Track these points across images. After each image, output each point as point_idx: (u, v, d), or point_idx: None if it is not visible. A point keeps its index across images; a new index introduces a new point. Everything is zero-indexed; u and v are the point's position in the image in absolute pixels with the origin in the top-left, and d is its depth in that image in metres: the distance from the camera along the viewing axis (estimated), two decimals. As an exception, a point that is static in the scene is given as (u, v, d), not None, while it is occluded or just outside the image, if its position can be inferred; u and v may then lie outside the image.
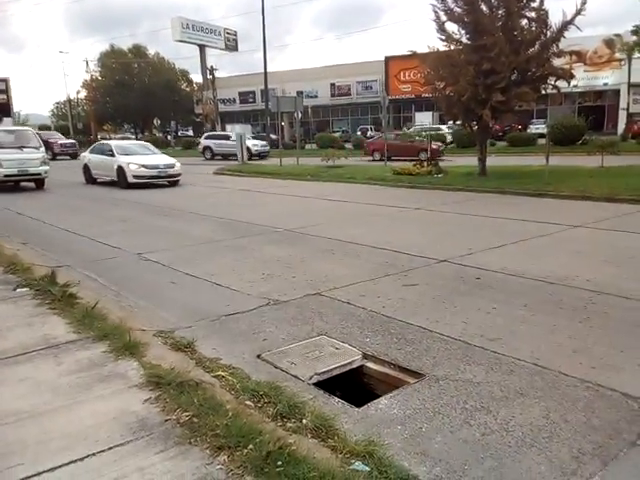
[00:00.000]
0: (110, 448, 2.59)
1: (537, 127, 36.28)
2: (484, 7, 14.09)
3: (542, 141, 30.43)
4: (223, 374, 3.43)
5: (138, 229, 9.42)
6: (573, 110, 37.66)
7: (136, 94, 58.20)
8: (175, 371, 3.32)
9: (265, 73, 41.24)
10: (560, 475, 2.48)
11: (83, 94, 68.98)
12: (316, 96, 52.28)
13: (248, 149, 29.59)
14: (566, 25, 13.66)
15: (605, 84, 37.86)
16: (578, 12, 13.41)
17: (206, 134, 37.55)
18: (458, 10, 14.29)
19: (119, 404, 3.01)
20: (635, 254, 6.66)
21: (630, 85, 33.81)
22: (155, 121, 60.27)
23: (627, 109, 34.46)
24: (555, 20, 13.91)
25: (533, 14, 13.96)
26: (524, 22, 14.16)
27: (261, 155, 31.75)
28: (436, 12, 14.62)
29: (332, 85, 52.19)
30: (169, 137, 56.42)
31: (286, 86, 49.23)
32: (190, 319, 4.64)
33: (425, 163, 17.43)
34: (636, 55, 26.83)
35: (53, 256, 7.10)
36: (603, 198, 11.05)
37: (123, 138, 52.22)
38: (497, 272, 5.91)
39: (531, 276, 5.69)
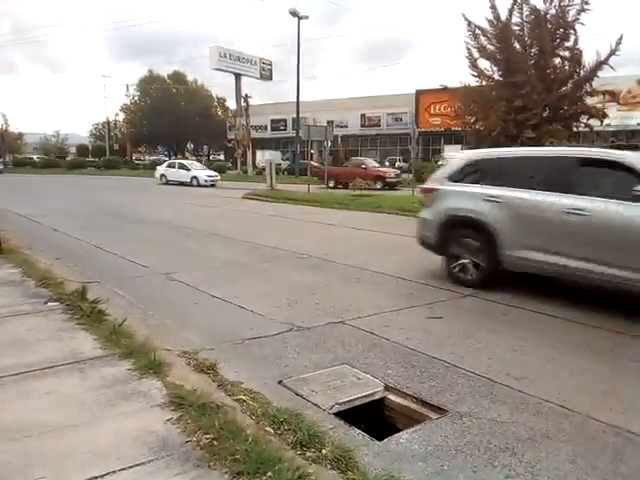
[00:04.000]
0: (131, 467, 2.60)
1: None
2: (517, 45, 14.22)
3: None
4: (244, 398, 3.43)
5: (165, 249, 9.59)
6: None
7: (172, 118, 59.92)
8: (197, 392, 3.34)
9: (297, 102, 42.09)
10: (587, 524, 2.39)
11: (121, 117, 71.45)
12: (346, 126, 52.97)
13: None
14: (600, 65, 13.65)
15: (638, 124, 37.38)
16: (613, 52, 13.40)
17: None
18: (491, 48, 14.46)
19: (141, 423, 3.04)
20: None
21: (665, 125, 33.30)
22: (188, 145, 61.78)
23: (661, 149, 33.85)
24: (588, 59, 13.92)
25: (567, 53, 14.02)
26: (557, 61, 14.21)
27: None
28: (469, 49, 14.82)
29: (362, 116, 52.87)
30: (202, 161, 57.68)
31: (317, 115, 50.02)
32: (214, 341, 4.67)
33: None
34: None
35: (84, 272, 7.26)
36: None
37: (155, 161, 53.60)
38: (525, 309, 5.81)
39: (548, 313, 5.57)
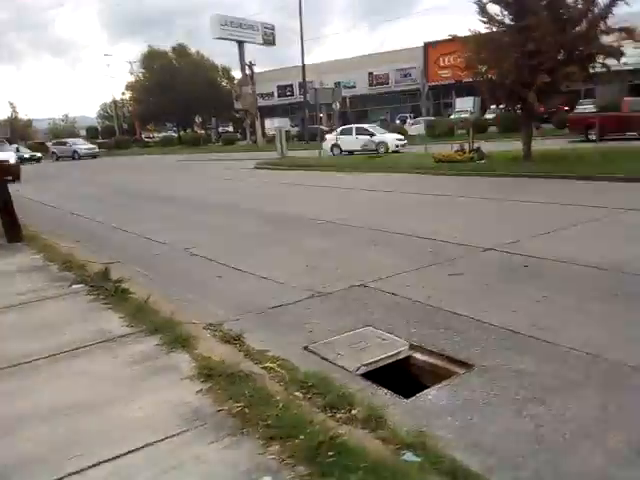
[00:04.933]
0: (166, 438, 2.67)
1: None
2: (527, -15, 13.59)
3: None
4: (272, 365, 3.48)
5: (184, 224, 9.64)
6: (623, 89, 35.90)
7: (178, 93, 59.38)
8: (225, 363, 3.40)
9: (303, 66, 41.31)
10: (617, 466, 2.40)
11: (128, 95, 71.03)
12: (354, 86, 51.95)
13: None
14: (615, 1, 13.01)
15: (658, 60, 35.86)
16: (628, -14, 12.75)
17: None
18: (500, -10, 13.85)
19: (173, 395, 3.11)
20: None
21: (686, 60, 31.88)
22: (197, 118, 61.37)
23: (683, 85, 32.58)
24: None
25: (580, -10, 13.37)
26: (570, 0, 13.58)
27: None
28: (477, -7, 14.22)
29: (370, 74, 51.74)
30: (211, 134, 57.38)
31: (323, 77, 49.09)
32: (237, 312, 4.73)
33: (467, 149, 17.03)
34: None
35: (105, 252, 7.36)
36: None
37: (165, 136, 53.81)
38: (546, 259, 5.74)
39: (583, 263, 5.50)
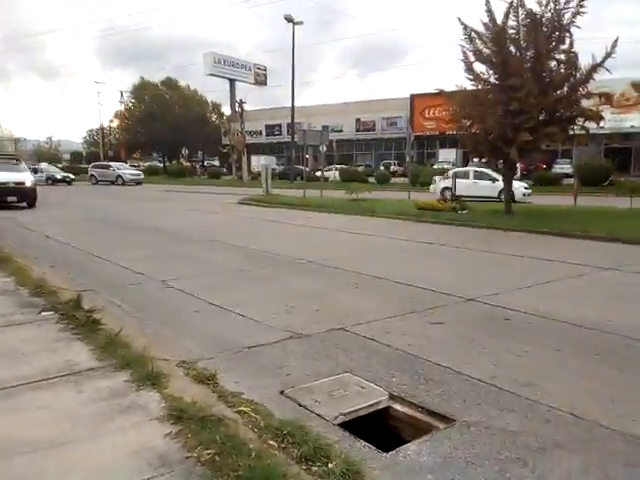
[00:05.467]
0: (129, 484, 2.50)
1: (562, 167, 36.05)
2: (513, 48, 14.21)
3: (567, 181, 30.25)
4: (246, 410, 3.33)
5: (163, 255, 9.47)
6: (599, 151, 37.39)
7: (166, 124, 59.86)
8: (197, 405, 3.24)
9: (292, 107, 42.12)
10: (605, 539, 2.30)
11: (115, 123, 71.25)
12: (341, 130, 53.03)
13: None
14: (596, 67, 13.64)
15: (632, 126, 37.59)
16: (609, 55, 13.41)
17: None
18: (487, 51, 14.44)
19: (140, 437, 2.93)
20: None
21: (658, 127, 33.54)
22: (183, 150, 61.68)
23: (655, 151, 34.10)
24: (584, 62, 13.92)
25: (562, 56, 14.01)
26: (553, 64, 14.20)
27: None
28: (465, 53, 14.79)
29: (357, 120, 52.98)
30: (197, 167, 57.61)
31: (312, 120, 50.05)
32: (213, 350, 4.57)
33: (449, 199, 17.32)
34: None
35: (79, 280, 7.13)
36: (633, 241, 10.78)
37: (151, 166, 53.69)
38: (528, 313, 5.72)
39: (563, 319, 5.50)
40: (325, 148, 26.33)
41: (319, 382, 3.95)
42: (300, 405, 3.57)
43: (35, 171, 32.05)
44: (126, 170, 42.47)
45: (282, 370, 4.17)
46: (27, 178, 17.97)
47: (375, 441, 3.18)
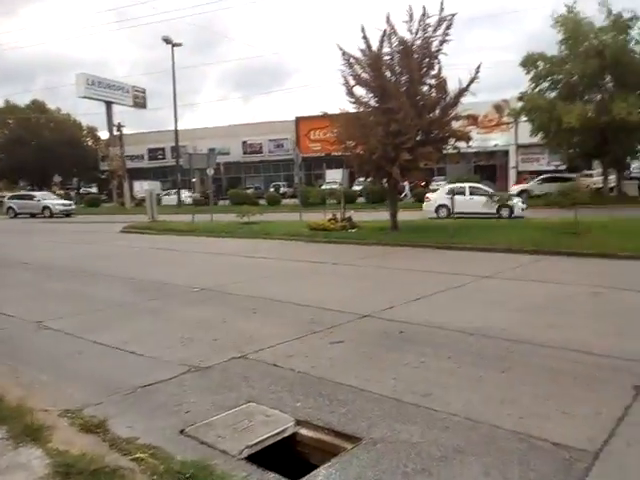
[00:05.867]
0: None
1: (438, 184, 38.80)
2: (389, 73, 15.10)
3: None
4: (142, 456, 3.07)
5: (36, 293, 8.61)
6: (469, 168, 40.85)
7: (34, 150, 55.37)
8: (87, 457, 2.93)
9: (175, 130, 41.11)
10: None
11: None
12: (228, 153, 52.55)
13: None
14: (462, 91, 14.94)
15: (495, 145, 41.57)
16: (473, 79, 14.77)
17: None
18: (365, 76, 15.20)
19: (18, 504, 2.57)
20: (542, 302, 7.07)
21: (518, 146, 37.48)
22: (55, 177, 57.29)
23: (516, 167, 38.01)
24: (452, 86, 15.18)
25: (433, 81, 15.15)
26: (425, 88, 15.30)
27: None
28: (345, 77, 15.46)
29: (244, 143, 52.91)
30: (71, 194, 53.78)
31: (197, 143, 49.13)
32: (101, 394, 4.18)
33: (339, 218, 17.80)
34: (522, 119, 29.84)
35: None
36: (504, 250, 11.82)
37: (22, 195, 48.29)
38: (419, 325, 5.99)
39: (452, 327, 5.82)
40: (213, 171, 25.93)
41: (222, 416, 3.77)
42: (202, 442, 3.38)
43: None
44: (54, 200, 36.50)
45: (181, 407, 3.93)
46: None
47: (284, 470, 3.10)
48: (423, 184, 38.24)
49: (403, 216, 17.43)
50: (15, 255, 13.87)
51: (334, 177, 41.41)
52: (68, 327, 6.25)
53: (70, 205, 36.53)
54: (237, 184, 51.27)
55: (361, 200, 33.54)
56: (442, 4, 14.63)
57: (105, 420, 3.56)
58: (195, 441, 3.40)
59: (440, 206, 21.88)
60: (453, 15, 14.69)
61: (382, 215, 18.98)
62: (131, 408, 3.94)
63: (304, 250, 13.72)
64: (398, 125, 14.13)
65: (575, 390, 4.09)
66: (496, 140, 41.11)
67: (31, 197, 36.67)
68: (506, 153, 41.10)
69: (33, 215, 34.29)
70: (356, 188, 35.46)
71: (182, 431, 3.54)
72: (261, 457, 3.27)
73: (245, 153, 53.46)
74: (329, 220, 17.51)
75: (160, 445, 3.26)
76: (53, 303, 7.76)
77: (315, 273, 10.19)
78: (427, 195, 24.55)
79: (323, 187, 35.74)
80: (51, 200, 36.16)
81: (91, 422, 3.55)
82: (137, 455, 3.08)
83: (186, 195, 42.91)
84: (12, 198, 37.72)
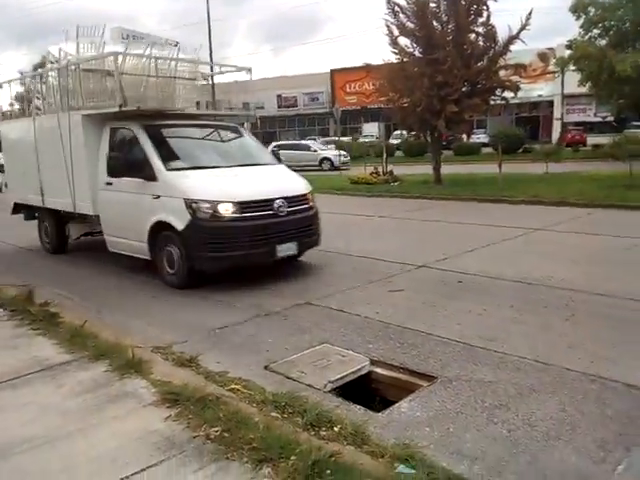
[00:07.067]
0: (143, 469, 2.47)
1: (478, 137, 37.76)
2: (435, 22, 14.62)
3: (484, 150, 31.85)
4: (237, 387, 3.35)
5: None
6: (511, 120, 39.55)
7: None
8: (189, 387, 3.22)
9: (212, 84, 40.80)
10: (592, 464, 2.59)
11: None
12: (262, 107, 52.14)
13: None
14: (512, 39, 14.38)
15: (540, 95, 39.91)
16: (523, 27, 14.17)
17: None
18: (410, 25, 14.75)
19: (138, 423, 2.88)
20: (598, 254, 7.05)
21: (564, 96, 35.92)
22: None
23: (561, 119, 36.55)
24: (501, 34, 14.61)
25: (481, 29, 14.60)
26: (473, 37, 14.77)
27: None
28: (389, 27, 15.04)
29: (279, 97, 52.30)
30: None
31: (231, 97, 48.88)
32: (183, 334, 4.51)
33: (381, 172, 17.73)
34: (570, 68, 28.46)
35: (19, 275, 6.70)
36: (555, 202, 11.63)
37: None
38: (476, 275, 6.10)
39: (509, 278, 5.91)
40: (250, 125, 25.93)
41: (300, 355, 4.03)
42: (288, 377, 3.64)
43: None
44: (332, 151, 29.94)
45: (260, 347, 4.21)
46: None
47: (365, 404, 3.33)
48: (465, 137, 37.32)
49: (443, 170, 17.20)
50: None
51: (370, 130, 40.81)
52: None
53: (347, 157, 29.23)
54: (272, 139, 51.12)
55: (399, 154, 33.06)
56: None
57: (196, 356, 3.86)
58: (280, 376, 3.67)
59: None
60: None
61: (421, 168, 18.80)
62: (215, 346, 4.25)
63: (349, 203, 13.80)
64: (444, 76, 13.78)
65: (641, 337, 4.18)
66: (540, 90, 39.44)
67: (307, 147, 30.27)
68: (550, 104, 39.42)
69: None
70: (393, 142, 34.88)
71: (266, 367, 3.82)
72: (343, 391, 3.51)
73: (280, 107, 52.95)
74: (371, 174, 17.47)
75: (250, 378, 3.53)
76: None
77: (363, 226, 10.30)
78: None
79: (360, 140, 35.36)
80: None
81: (183, 357, 3.86)
82: (232, 386, 3.36)
83: None
84: (279, 148, 28.93)
